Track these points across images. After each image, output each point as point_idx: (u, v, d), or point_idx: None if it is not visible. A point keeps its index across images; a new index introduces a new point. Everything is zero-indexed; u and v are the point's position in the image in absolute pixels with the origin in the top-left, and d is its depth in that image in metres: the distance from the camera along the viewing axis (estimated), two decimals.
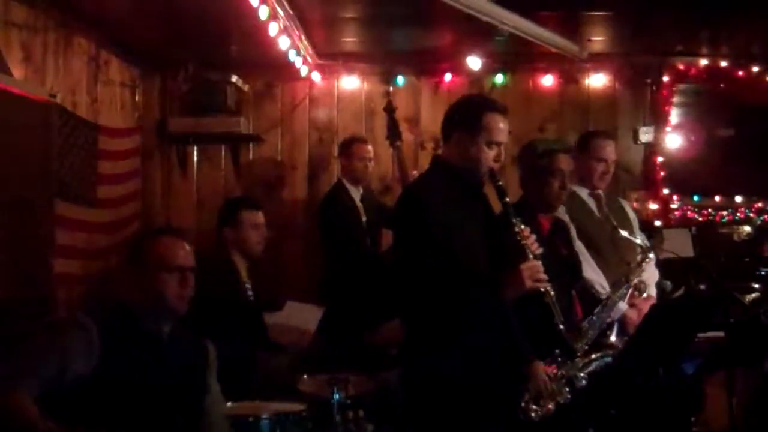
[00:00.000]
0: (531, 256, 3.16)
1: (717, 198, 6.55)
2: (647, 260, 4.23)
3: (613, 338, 4.19)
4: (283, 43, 4.98)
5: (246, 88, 6.37)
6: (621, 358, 3.45)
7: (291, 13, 4.75)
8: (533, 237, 3.25)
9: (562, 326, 3.12)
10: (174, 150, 6.38)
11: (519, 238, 3.21)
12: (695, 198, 6.58)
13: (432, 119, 6.51)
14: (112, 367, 2.68)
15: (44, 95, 4.21)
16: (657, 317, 3.25)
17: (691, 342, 3.33)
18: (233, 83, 6.16)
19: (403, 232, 3.23)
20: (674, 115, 6.52)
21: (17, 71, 4.10)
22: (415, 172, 5.67)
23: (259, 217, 4.59)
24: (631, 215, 4.82)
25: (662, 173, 6.42)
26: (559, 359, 3.57)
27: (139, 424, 2.69)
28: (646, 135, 6.41)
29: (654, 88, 6.47)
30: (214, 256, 4.52)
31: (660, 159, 6.42)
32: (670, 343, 3.26)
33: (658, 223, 6.28)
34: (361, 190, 5.71)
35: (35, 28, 4.27)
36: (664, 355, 3.24)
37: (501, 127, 3.28)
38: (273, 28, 4.62)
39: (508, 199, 3.32)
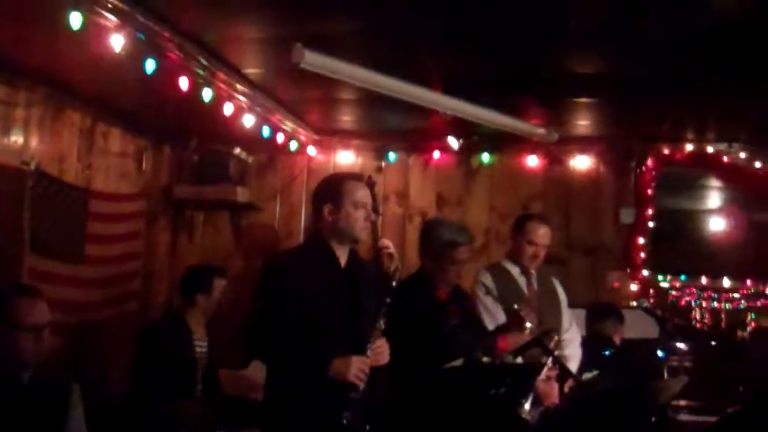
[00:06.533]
0: (366, 356, 3.44)
1: (703, 280, 6.62)
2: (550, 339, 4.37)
3: (527, 407, 4.38)
4: (248, 121, 5.44)
5: (250, 159, 6.87)
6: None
7: (252, 94, 5.21)
8: (381, 347, 3.53)
9: (345, 421, 3.34)
10: (179, 214, 6.93)
11: (371, 338, 3.50)
12: (682, 278, 6.67)
13: (420, 194, 6.88)
14: None
15: (16, 163, 4.79)
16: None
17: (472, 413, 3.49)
18: (236, 155, 6.68)
19: (258, 291, 3.57)
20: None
21: None
22: (386, 241, 5.87)
23: (225, 283, 5.23)
24: (561, 295, 5.01)
25: (642, 254, 6.53)
26: None
27: None
28: (627, 216, 6.55)
29: (638, 171, 6.62)
30: (168, 320, 5.29)
31: (641, 240, 6.54)
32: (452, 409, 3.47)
33: (634, 303, 6.38)
34: None
35: (15, 104, 4.88)
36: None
37: (362, 192, 3.64)
38: (228, 108, 5.09)
39: (389, 300, 3.58)
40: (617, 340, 5.49)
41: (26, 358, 3.29)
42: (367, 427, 3.53)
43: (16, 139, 4.94)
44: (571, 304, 5.11)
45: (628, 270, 6.53)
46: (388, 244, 5.13)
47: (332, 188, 3.67)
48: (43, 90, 5.13)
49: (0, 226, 4.72)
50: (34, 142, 5.11)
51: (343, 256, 3.68)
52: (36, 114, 5.12)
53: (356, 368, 3.39)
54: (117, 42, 3.90)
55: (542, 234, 4.79)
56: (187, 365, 4.98)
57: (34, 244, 5.01)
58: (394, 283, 3.65)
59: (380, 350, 3.53)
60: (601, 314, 5.51)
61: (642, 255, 6.53)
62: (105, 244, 5.98)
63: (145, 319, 6.43)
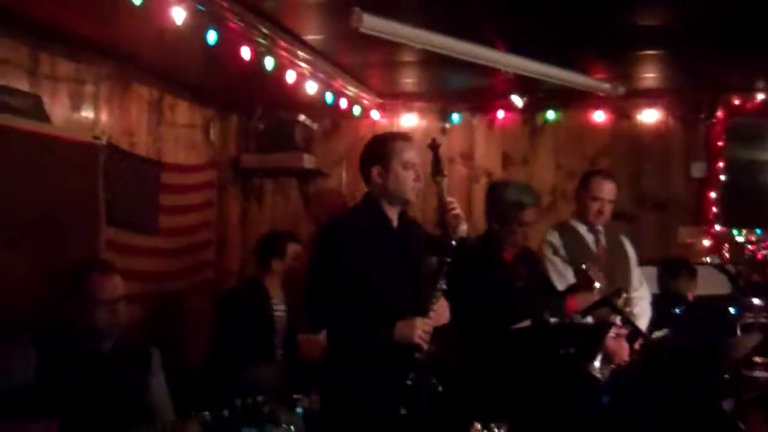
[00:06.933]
0: (429, 316, 3.44)
1: None
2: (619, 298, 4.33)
3: (597, 365, 4.38)
4: (311, 87, 5.49)
5: (315, 126, 6.94)
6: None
7: (314, 60, 5.25)
8: (442, 307, 3.53)
9: (410, 382, 3.34)
10: (248, 183, 7.04)
11: (432, 299, 3.48)
12: (758, 231, 6.51)
13: (485, 155, 6.86)
14: (49, 379, 3.24)
15: (88, 138, 4.91)
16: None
17: (550, 370, 3.48)
18: (301, 122, 6.75)
19: (316, 260, 3.60)
20: None
21: (65, 119, 4.86)
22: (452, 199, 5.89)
23: (299, 248, 5.36)
24: (631, 253, 4.95)
25: (714, 209, 6.40)
26: None
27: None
28: (698, 170, 6.42)
29: (708, 122, 6.48)
30: (247, 286, 5.46)
31: (713, 194, 6.41)
32: (522, 369, 3.47)
33: (707, 259, 6.28)
34: None
35: (84, 80, 5.01)
36: (524, 382, 3.46)
37: (410, 151, 3.58)
38: (290, 76, 5.14)
39: (449, 260, 3.51)
40: (690, 296, 5.41)
41: (104, 329, 3.45)
42: (440, 388, 3.49)
43: (87, 114, 5.09)
44: (642, 261, 5.05)
45: (701, 225, 6.42)
46: (454, 204, 5.17)
47: (380, 149, 3.61)
48: (110, 65, 5.26)
49: (76, 201, 4.83)
50: (104, 117, 5.26)
51: (394, 217, 3.65)
52: (104, 89, 5.26)
53: (420, 330, 3.40)
54: (178, 15, 3.97)
55: (607, 189, 4.71)
56: (266, 329, 5.15)
57: (110, 217, 5.15)
58: (454, 243, 3.57)
59: (441, 310, 3.53)
60: (674, 271, 5.44)
61: (714, 209, 6.41)
62: (178, 214, 6.14)
63: (221, 287, 6.57)
